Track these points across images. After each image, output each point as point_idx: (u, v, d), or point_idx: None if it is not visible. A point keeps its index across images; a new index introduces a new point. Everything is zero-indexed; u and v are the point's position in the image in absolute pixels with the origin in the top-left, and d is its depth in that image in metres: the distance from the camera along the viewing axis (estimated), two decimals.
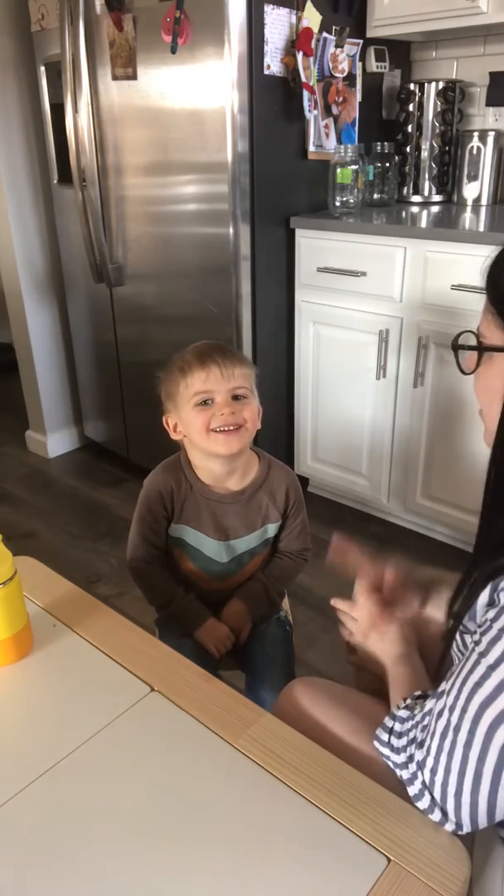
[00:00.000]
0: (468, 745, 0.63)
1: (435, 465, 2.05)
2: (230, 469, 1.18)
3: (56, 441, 2.94)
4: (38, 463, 2.90)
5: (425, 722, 0.70)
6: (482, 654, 0.63)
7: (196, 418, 1.11)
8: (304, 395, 2.31)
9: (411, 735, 0.72)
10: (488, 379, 0.66)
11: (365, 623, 0.93)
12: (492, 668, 0.61)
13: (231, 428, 1.10)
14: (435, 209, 2.25)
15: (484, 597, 0.67)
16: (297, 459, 2.41)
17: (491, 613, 0.64)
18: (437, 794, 0.67)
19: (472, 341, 0.68)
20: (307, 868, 0.66)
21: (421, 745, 0.70)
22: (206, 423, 1.10)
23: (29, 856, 0.68)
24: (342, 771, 0.76)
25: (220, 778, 0.75)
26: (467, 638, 0.69)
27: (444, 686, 0.68)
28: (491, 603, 0.66)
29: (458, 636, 0.72)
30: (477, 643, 0.64)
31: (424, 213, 2.19)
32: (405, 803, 0.73)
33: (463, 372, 0.70)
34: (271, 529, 1.25)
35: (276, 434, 2.38)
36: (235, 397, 1.11)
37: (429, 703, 0.71)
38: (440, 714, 0.67)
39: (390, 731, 0.75)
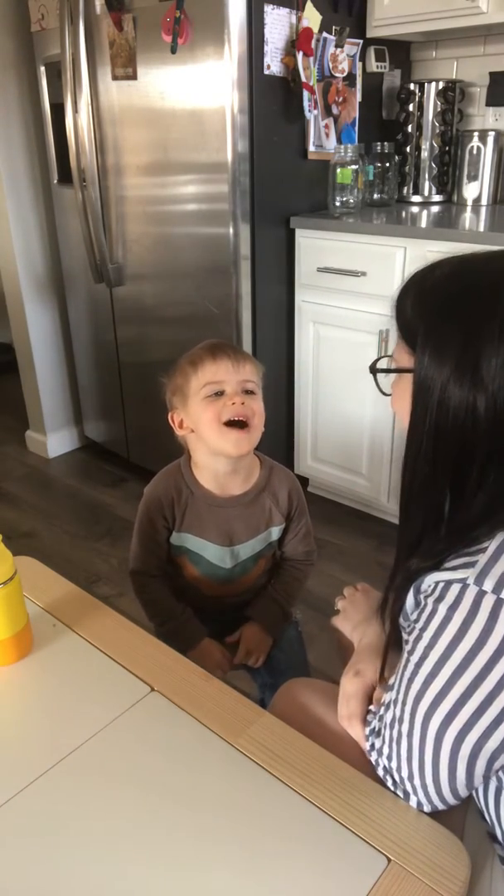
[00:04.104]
0: (410, 735, 0.69)
1: None
2: (234, 469, 1.16)
3: (56, 441, 2.94)
4: (38, 463, 2.90)
5: (381, 712, 0.76)
6: (410, 653, 0.69)
7: (206, 409, 1.09)
8: (304, 395, 2.31)
9: (373, 725, 0.78)
10: (402, 397, 0.74)
11: (358, 611, 0.98)
12: (418, 665, 0.68)
13: (242, 419, 1.08)
14: (435, 209, 2.25)
15: (410, 598, 0.73)
16: (297, 459, 2.41)
17: (415, 615, 0.70)
18: (396, 777, 0.73)
19: (390, 365, 0.78)
20: (307, 868, 0.66)
21: (378, 734, 0.76)
22: (216, 414, 1.08)
23: (29, 855, 0.68)
24: (342, 771, 0.76)
25: (220, 778, 0.75)
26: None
27: (392, 679, 0.74)
28: (418, 604, 0.71)
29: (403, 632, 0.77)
30: (406, 642, 0.71)
31: (424, 213, 2.19)
32: (405, 803, 0.73)
33: (383, 393, 0.81)
34: (275, 532, 1.24)
35: (276, 434, 2.37)
36: (245, 391, 1.10)
37: (385, 695, 0.76)
38: (388, 706, 0.73)
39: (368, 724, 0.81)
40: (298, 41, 1.92)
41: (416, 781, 0.70)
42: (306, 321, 2.20)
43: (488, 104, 2.25)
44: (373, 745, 0.77)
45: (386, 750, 0.73)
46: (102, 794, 0.73)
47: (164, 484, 1.20)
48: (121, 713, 0.82)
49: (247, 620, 1.26)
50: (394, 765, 0.72)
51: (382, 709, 0.76)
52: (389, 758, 0.73)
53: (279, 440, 2.39)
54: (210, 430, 1.09)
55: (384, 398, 0.86)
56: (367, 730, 0.79)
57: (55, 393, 2.88)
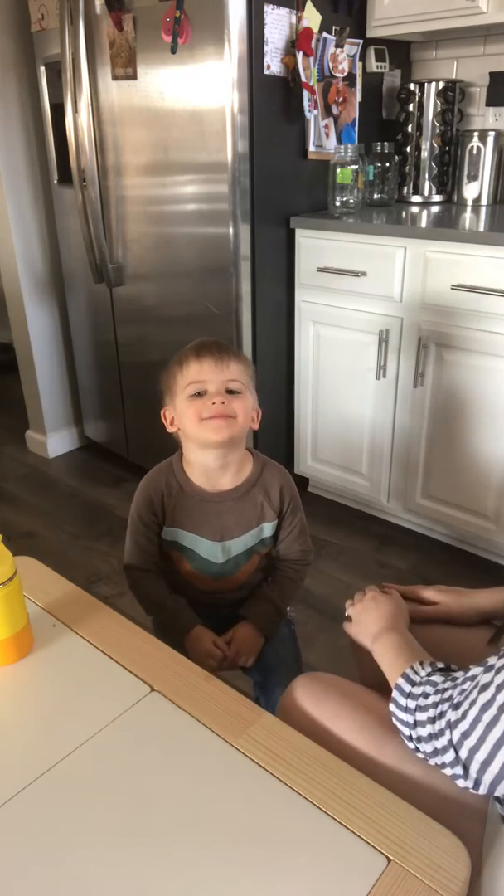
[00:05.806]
0: None
1: (435, 466, 2.05)
2: (224, 464, 1.18)
3: (56, 441, 2.94)
4: (38, 463, 2.90)
5: (466, 686, 0.73)
6: None
7: (189, 408, 1.11)
8: (304, 395, 2.31)
9: (446, 694, 0.75)
10: None
11: (372, 621, 0.96)
12: None
13: (221, 416, 1.10)
14: (435, 209, 2.25)
15: None
16: (297, 459, 2.41)
17: None
18: (464, 755, 0.71)
19: None
20: (307, 868, 0.66)
21: (456, 706, 0.73)
22: (197, 412, 1.11)
23: (29, 856, 0.68)
24: (342, 771, 0.76)
25: (220, 778, 0.75)
26: None
27: (495, 661, 0.71)
28: None
29: None
30: None
31: (424, 213, 2.19)
32: (405, 803, 0.73)
33: None
34: (267, 529, 1.25)
35: (276, 434, 2.38)
36: (230, 391, 1.11)
37: (474, 670, 0.73)
38: (485, 687, 0.70)
39: (409, 695, 0.78)
40: (298, 41, 1.92)
41: (493, 768, 0.69)
42: (306, 321, 2.20)
43: (488, 104, 2.25)
44: (441, 714, 0.74)
45: (465, 726, 0.71)
46: (102, 794, 0.73)
47: (155, 480, 1.22)
48: (121, 713, 0.82)
49: (241, 619, 1.27)
50: (470, 742, 0.70)
51: (468, 683, 0.73)
52: (466, 734, 0.70)
53: (279, 440, 2.39)
54: (192, 425, 1.12)
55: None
56: (437, 697, 0.75)
57: (55, 393, 2.88)
